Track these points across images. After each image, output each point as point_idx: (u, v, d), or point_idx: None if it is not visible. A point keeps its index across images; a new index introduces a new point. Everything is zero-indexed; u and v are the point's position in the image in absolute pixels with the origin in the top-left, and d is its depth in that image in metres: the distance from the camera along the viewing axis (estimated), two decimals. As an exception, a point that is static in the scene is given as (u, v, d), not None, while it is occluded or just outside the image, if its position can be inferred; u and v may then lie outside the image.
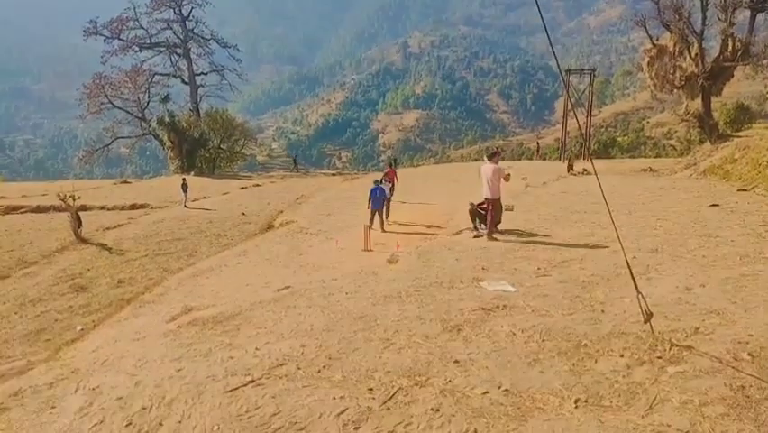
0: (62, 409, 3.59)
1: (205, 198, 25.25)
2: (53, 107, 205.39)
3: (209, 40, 48.90)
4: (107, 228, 18.85)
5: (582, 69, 41.89)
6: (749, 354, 3.78)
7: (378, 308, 5.63)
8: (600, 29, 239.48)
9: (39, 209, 22.16)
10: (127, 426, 3.29)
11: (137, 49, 46.89)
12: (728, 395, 3.20)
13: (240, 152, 46.65)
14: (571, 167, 25.21)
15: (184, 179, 24.54)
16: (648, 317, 4.16)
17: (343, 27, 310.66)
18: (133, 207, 23.48)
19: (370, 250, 13.03)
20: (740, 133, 23.44)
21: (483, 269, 7.46)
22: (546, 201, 15.36)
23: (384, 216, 14.59)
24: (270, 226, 19.06)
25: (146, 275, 13.71)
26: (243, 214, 21.06)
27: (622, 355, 3.95)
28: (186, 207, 22.48)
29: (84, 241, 17.05)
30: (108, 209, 22.80)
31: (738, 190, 14.71)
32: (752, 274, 6.10)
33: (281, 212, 21.32)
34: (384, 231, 14.18)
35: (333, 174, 42.59)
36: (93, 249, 16.35)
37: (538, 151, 49.96)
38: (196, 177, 35.85)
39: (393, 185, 14.75)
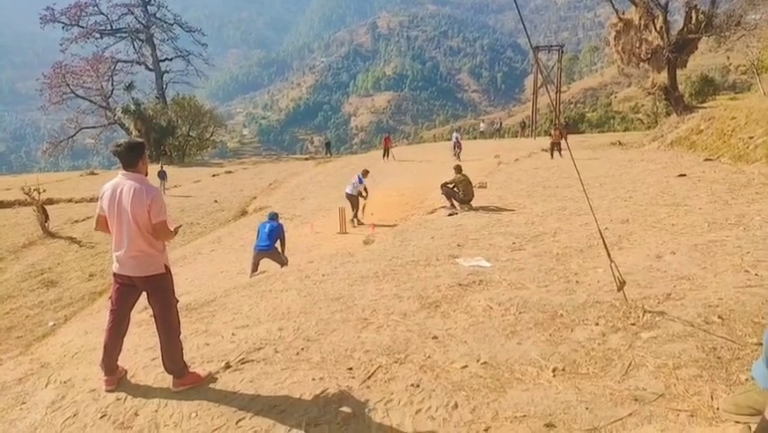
0: (33, 404, 3.48)
1: (176, 186, 24.84)
2: (13, 99, 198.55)
3: (172, 24, 47.73)
4: (76, 221, 18.39)
5: (551, 46, 42.12)
6: (719, 317, 3.86)
7: (355, 288, 5.60)
8: (568, 5, 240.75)
9: (3, 204, 21.50)
10: (102, 417, 3.21)
11: (98, 35, 45.54)
12: (701, 357, 3.27)
13: (210, 138, 45.93)
14: (557, 145, 20.10)
15: (162, 167, 24.14)
16: (621, 285, 4.22)
17: (311, 9, 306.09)
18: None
19: (346, 232, 13.01)
20: (705, 105, 23.90)
21: (459, 246, 7.49)
22: (519, 178, 15.49)
23: (358, 211, 13.89)
24: (244, 213, 18.88)
25: (118, 267, 13.45)
26: (216, 201, 20.81)
27: (597, 324, 4.00)
28: (163, 194, 22.08)
29: (52, 235, 16.62)
30: (76, 202, 22.24)
31: (704, 160, 15.04)
32: (719, 240, 6.24)
33: (254, 198, 21.13)
34: (356, 225, 13.64)
35: (306, 159, 42.24)
36: (62, 243, 15.96)
37: (524, 129, 46.21)
38: (165, 165, 35.21)
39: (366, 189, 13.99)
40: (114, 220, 3.46)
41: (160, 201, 3.46)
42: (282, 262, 8.95)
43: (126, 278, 3.53)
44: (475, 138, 49.47)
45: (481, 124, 57.29)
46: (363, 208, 14.03)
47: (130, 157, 3.49)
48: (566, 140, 6.07)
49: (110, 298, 3.74)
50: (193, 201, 21.11)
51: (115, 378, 3.60)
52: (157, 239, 3.48)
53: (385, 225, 12.43)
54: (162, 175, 22.83)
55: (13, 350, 7.94)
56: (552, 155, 19.82)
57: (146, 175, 3.60)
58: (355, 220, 13.68)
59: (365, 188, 13.91)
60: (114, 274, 3.57)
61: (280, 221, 9.69)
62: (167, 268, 3.58)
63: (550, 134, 22.99)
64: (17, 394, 3.64)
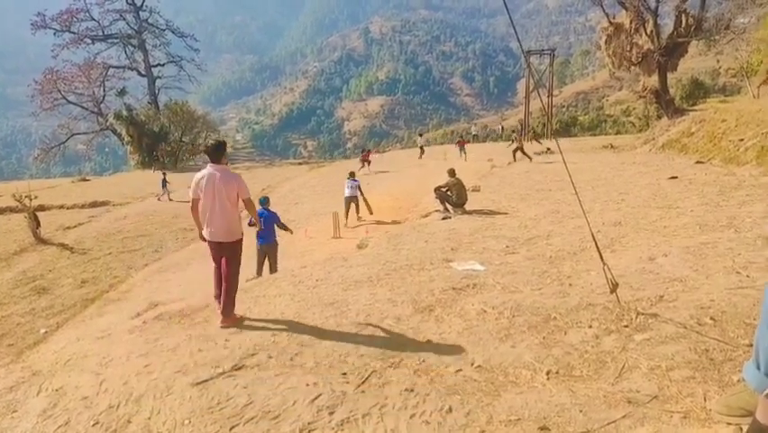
0: (24, 412, 3.45)
1: (163, 193, 24.70)
2: (4, 105, 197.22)
3: (164, 30, 47.63)
4: (68, 228, 18.28)
5: (542, 50, 42.37)
6: (711, 319, 3.88)
7: (349, 293, 5.59)
8: (559, 9, 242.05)
9: (-6, 211, 21.31)
10: (94, 425, 3.18)
11: (89, 41, 45.38)
12: (693, 359, 3.28)
13: (203, 144, 45.72)
14: (519, 150, 21.27)
15: (164, 174, 24.08)
16: (614, 287, 4.23)
17: (303, 14, 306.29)
18: (94, 204, 22.83)
19: (340, 237, 13.00)
20: (696, 108, 24.07)
21: (452, 249, 7.50)
22: (512, 181, 15.53)
23: (355, 210, 14.48)
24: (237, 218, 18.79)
25: (110, 273, 13.36)
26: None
27: (590, 326, 4.01)
28: (169, 200, 22.15)
29: (43, 241, 16.49)
30: (68, 208, 22.11)
31: (696, 163, 15.14)
32: (711, 242, 6.28)
33: (248, 203, 21.03)
34: (358, 220, 14.34)
35: (299, 163, 42.18)
36: (53, 249, 15.83)
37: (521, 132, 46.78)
38: (158, 172, 35.07)
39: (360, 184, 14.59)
40: (209, 200, 4.73)
41: (244, 183, 4.88)
42: (276, 260, 9.04)
43: (216, 243, 4.88)
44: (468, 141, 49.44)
45: (473, 128, 57.36)
46: (365, 202, 14.58)
47: (216, 154, 4.84)
48: (557, 142, 6.10)
49: (212, 257, 5.06)
50: (187, 207, 21.01)
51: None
52: (248, 210, 5.18)
53: (383, 223, 12.45)
54: (164, 183, 22.78)
55: (4, 358, 7.87)
56: (514, 158, 20.64)
57: (227, 165, 4.94)
58: (357, 217, 14.42)
59: (359, 187, 14.53)
60: (209, 241, 4.92)
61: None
62: (242, 237, 4.97)
63: (512, 140, 23.39)
64: (8, 403, 3.61)
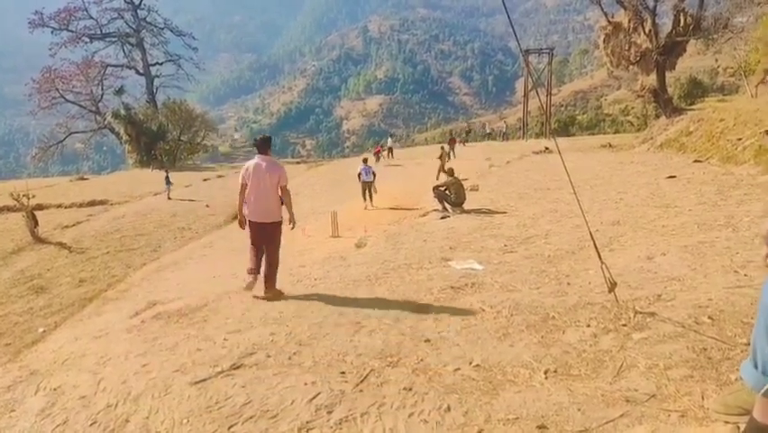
0: (22, 411, 3.44)
1: (165, 191, 24.70)
2: (2, 104, 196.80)
3: (163, 29, 47.57)
4: (66, 226, 18.27)
5: (541, 49, 42.38)
6: (709, 318, 3.88)
7: (347, 292, 5.60)
8: (557, 8, 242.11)
9: (-9, 210, 21.28)
10: (92, 425, 3.17)
11: (87, 40, 45.33)
12: (691, 358, 3.29)
13: (201, 143, 45.67)
14: (442, 168, 17.40)
15: (167, 172, 24.08)
16: (612, 286, 4.24)
17: (302, 13, 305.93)
18: (92, 203, 22.84)
19: (338, 236, 12.98)
20: (694, 107, 24.09)
21: (451, 248, 7.50)
22: (510, 180, 15.55)
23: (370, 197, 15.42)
24: (236, 217, 18.78)
25: (108, 273, 13.36)
26: (208, 206, 20.72)
27: (588, 325, 4.02)
28: (168, 198, 22.14)
29: (41, 240, 16.49)
30: (66, 207, 22.10)
31: (694, 162, 15.16)
32: (709, 241, 6.29)
33: (246, 202, 21.01)
34: (370, 207, 15.15)
35: (298, 162, 42.16)
36: (51, 248, 15.83)
37: (468, 135, 44.94)
38: (156, 171, 35.03)
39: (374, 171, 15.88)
40: (255, 185, 5.47)
41: (285, 172, 5.64)
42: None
43: (258, 224, 5.57)
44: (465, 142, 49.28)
45: (486, 126, 57.33)
46: (375, 190, 15.42)
47: (264, 146, 5.63)
48: (555, 141, 6.11)
49: (250, 237, 5.72)
50: (184, 205, 21.02)
51: (255, 278, 5.62)
52: (284, 196, 5.64)
53: (379, 222, 12.42)
54: (168, 181, 22.78)
55: (1, 357, 7.88)
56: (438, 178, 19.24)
57: (270, 155, 5.69)
58: (370, 204, 15.24)
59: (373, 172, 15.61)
60: (250, 222, 5.61)
61: None
62: (281, 220, 5.67)
63: (443, 147, 21.54)
64: (6, 402, 3.60)
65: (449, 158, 25.42)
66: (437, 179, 18.34)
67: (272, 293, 5.52)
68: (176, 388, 3.51)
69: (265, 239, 5.60)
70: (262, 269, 5.67)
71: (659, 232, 7.27)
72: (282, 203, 5.69)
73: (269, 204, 5.50)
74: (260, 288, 5.64)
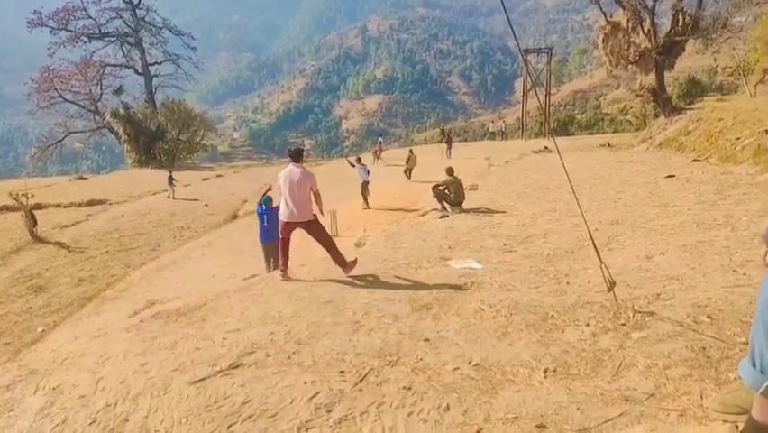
0: (21, 411, 3.44)
1: (165, 190, 24.69)
2: (1, 103, 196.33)
3: (161, 28, 47.46)
4: (65, 226, 18.26)
5: (540, 49, 42.33)
6: (708, 317, 3.89)
7: (346, 291, 5.59)
8: (556, 8, 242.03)
9: (-10, 210, 21.25)
10: (91, 424, 3.17)
11: (86, 39, 45.22)
12: (690, 357, 3.29)
13: (200, 142, 45.60)
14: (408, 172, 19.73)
15: (170, 172, 24.06)
16: (611, 286, 4.24)
17: (301, 12, 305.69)
18: (91, 203, 22.82)
19: (337, 235, 12.97)
20: (693, 106, 24.10)
21: (450, 248, 7.50)
22: (509, 179, 15.55)
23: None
24: (235, 216, 18.81)
25: (107, 272, 13.35)
26: (206, 205, 20.72)
27: (588, 324, 4.02)
28: (173, 198, 22.13)
29: (40, 240, 16.48)
30: (65, 207, 22.08)
31: (693, 161, 15.17)
32: (708, 240, 6.30)
33: (245, 202, 21.03)
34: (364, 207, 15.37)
35: (297, 162, 42.04)
36: (50, 248, 15.82)
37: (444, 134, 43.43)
38: (155, 170, 35.01)
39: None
40: (288, 191, 6.13)
41: (315, 179, 6.33)
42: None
43: (294, 223, 6.29)
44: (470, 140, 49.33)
45: (490, 126, 57.23)
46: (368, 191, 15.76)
47: (298, 156, 6.43)
48: (554, 141, 6.13)
49: (280, 233, 6.45)
50: (183, 205, 21.01)
51: (287, 272, 6.38)
52: (316, 198, 6.39)
53: (378, 222, 12.42)
54: (171, 181, 22.76)
55: (0, 357, 7.87)
56: (408, 177, 19.33)
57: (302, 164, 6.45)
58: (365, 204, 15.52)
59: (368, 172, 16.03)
60: (286, 222, 6.29)
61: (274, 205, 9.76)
62: (315, 216, 6.34)
63: (411, 151, 21.45)
64: (5, 401, 3.60)
65: (447, 156, 25.50)
66: (408, 178, 19.22)
67: (349, 267, 6.21)
68: (175, 387, 3.52)
69: (309, 233, 6.33)
70: (328, 257, 6.38)
71: (658, 231, 7.27)
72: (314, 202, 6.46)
73: (303, 206, 6.16)
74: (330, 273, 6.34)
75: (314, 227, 6.32)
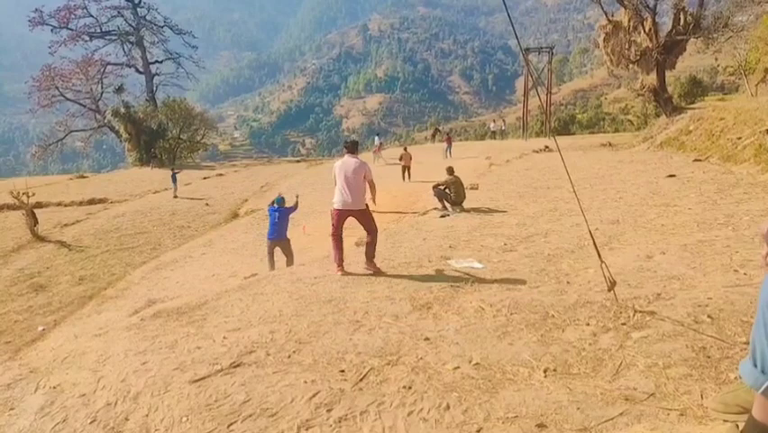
0: (22, 409, 3.44)
1: (167, 189, 24.69)
2: (2, 102, 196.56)
3: (162, 27, 47.37)
4: (65, 225, 18.26)
5: (541, 48, 42.22)
6: (708, 317, 3.89)
7: (346, 290, 5.59)
8: (557, 7, 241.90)
9: (-9, 208, 21.26)
10: (91, 422, 3.18)
11: (87, 38, 45.12)
12: (690, 356, 3.29)
13: (200, 141, 45.54)
14: (406, 170, 19.35)
15: (174, 170, 24.04)
16: (612, 285, 4.24)
17: (302, 11, 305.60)
18: (92, 201, 22.82)
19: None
20: (694, 106, 24.07)
21: (450, 247, 7.50)
22: (510, 179, 15.54)
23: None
24: (235, 216, 18.80)
25: (108, 271, 13.36)
26: (207, 204, 20.72)
27: (588, 324, 4.02)
28: (175, 196, 22.12)
29: (41, 239, 16.49)
30: (65, 205, 22.08)
31: (694, 161, 15.15)
32: (708, 240, 6.29)
33: (246, 201, 21.05)
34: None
35: (298, 161, 42.11)
36: (51, 247, 15.82)
37: (434, 135, 42.81)
38: (156, 169, 35.00)
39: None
40: (344, 179, 6.34)
41: (370, 169, 6.55)
42: (290, 254, 9.94)
43: (347, 211, 6.44)
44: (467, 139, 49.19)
45: (492, 125, 56.98)
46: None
47: (353, 148, 6.60)
48: (555, 140, 6.13)
49: (332, 225, 6.57)
50: (184, 204, 21.01)
51: (343, 267, 6.43)
52: (370, 187, 6.59)
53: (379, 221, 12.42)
54: (174, 178, 22.75)
55: (1, 355, 7.86)
56: (404, 178, 19.08)
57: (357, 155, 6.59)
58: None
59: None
60: (338, 210, 6.45)
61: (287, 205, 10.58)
62: (367, 206, 6.54)
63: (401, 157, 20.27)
64: (6, 400, 3.60)
65: (446, 156, 25.48)
66: (404, 179, 18.99)
67: (373, 267, 6.36)
68: (175, 386, 3.52)
69: (360, 222, 6.50)
70: (363, 247, 6.70)
71: (658, 231, 7.27)
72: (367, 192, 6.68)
73: (358, 195, 6.38)
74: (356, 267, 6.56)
75: (365, 216, 6.52)
